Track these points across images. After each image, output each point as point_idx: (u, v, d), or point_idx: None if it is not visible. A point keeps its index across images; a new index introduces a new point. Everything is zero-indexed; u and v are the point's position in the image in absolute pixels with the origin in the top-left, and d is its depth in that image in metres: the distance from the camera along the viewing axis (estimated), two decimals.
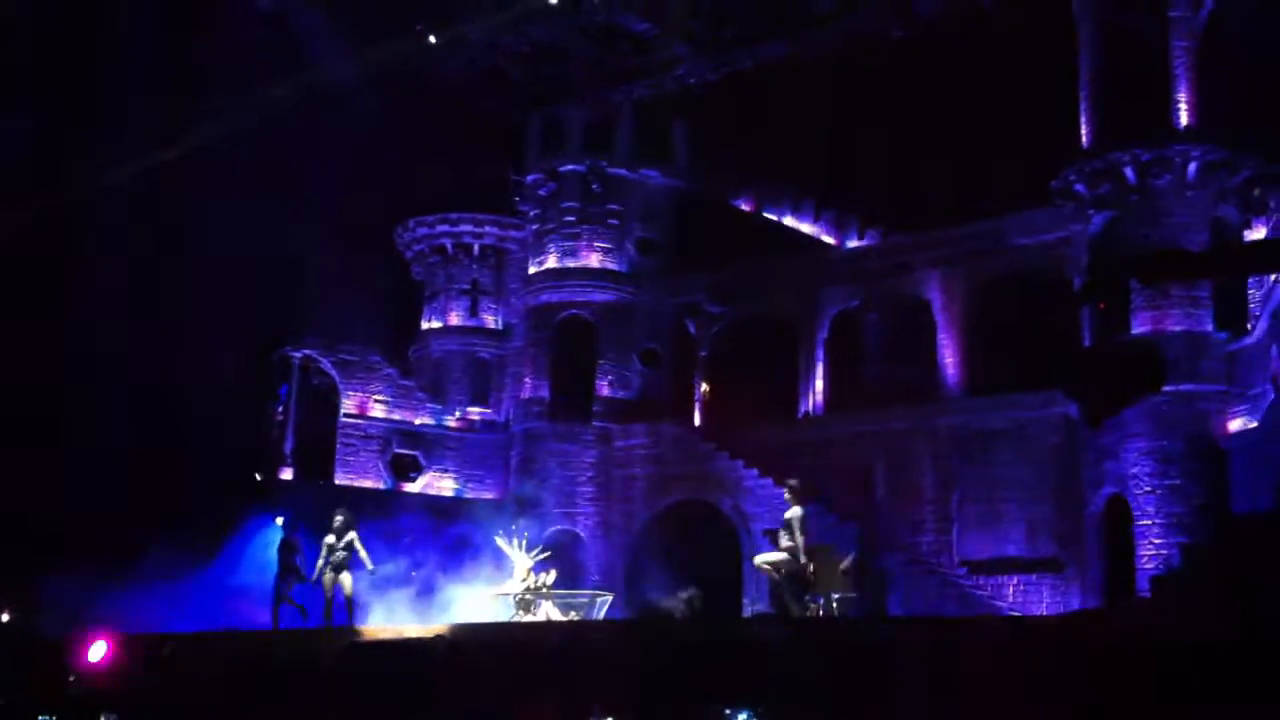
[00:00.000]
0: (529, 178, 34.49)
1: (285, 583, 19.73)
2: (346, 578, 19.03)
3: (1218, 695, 10.92)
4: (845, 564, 18.77)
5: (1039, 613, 25.41)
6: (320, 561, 19.14)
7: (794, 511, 16.69)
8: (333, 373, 33.37)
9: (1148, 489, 25.06)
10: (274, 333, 33.04)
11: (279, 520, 26.80)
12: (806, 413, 31.52)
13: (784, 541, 16.66)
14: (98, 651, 14.73)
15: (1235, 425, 25.15)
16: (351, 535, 19.18)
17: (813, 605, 24.37)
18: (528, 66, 33.29)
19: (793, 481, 17.15)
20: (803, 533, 16.52)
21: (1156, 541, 24.51)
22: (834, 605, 22.07)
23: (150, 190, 33.78)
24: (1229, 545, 12.31)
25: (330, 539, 19.22)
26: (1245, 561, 12.01)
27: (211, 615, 22.65)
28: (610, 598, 22.62)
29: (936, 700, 11.47)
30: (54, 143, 30.59)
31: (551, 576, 20.57)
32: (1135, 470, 25.24)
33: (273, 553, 21.04)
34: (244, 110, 31.46)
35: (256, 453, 32.33)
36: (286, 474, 32.07)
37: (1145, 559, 24.35)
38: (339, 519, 19.40)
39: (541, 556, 21.51)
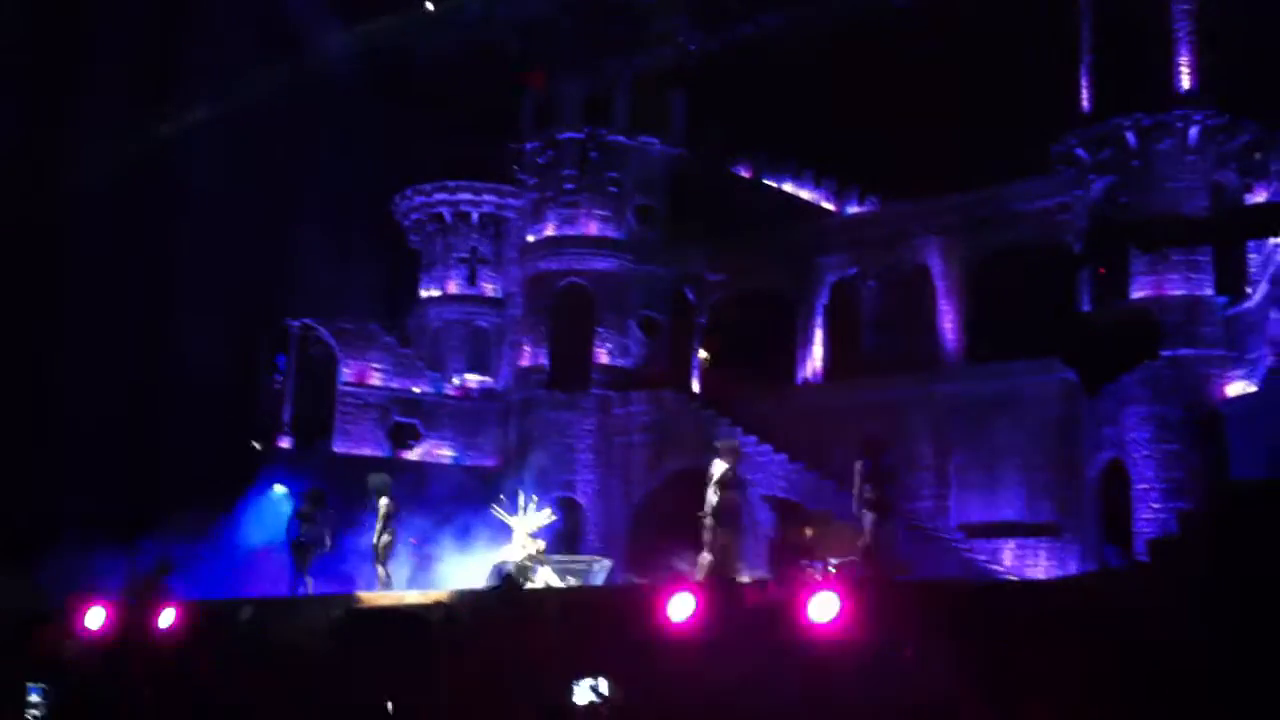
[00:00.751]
0: (527, 146, 34.35)
1: (303, 555, 19.57)
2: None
3: (1212, 661, 10.94)
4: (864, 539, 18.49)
5: (1036, 577, 25.45)
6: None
7: (717, 465, 16.39)
8: (331, 342, 33.35)
9: (1146, 454, 25.07)
10: (272, 303, 33.01)
11: (280, 489, 26.87)
12: (805, 380, 31.51)
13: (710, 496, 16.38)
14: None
15: (1234, 390, 25.13)
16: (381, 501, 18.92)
17: (811, 570, 24.39)
18: (525, 37, 33.11)
19: (720, 443, 16.94)
20: (727, 488, 16.21)
21: (1155, 506, 24.54)
22: (832, 570, 22.08)
23: (147, 163, 33.71)
24: (1226, 511, 12.28)
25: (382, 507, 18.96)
26: (1242, 527, 11.99)
27: (223, 584, 22.70)
28: (609, 564, 22.61)
29: (933, 662, 11.48)
30: (49, 114, 30.48)
31: (541, 546, 20.51)
32: (1133, 435, 25.24)
33: (281, 521, 21.04)
34: (240, 82, 31.34)
35: (255, 422, 32.37)
36: (285, 443, 32.10)
37: (1143, 524, 24.38)
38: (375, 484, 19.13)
39: (547, 521, 21.45)
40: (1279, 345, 22.90)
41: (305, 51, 31.56)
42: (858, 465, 16.11)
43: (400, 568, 21.12)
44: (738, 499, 16.46)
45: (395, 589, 18.41)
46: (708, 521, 16.27)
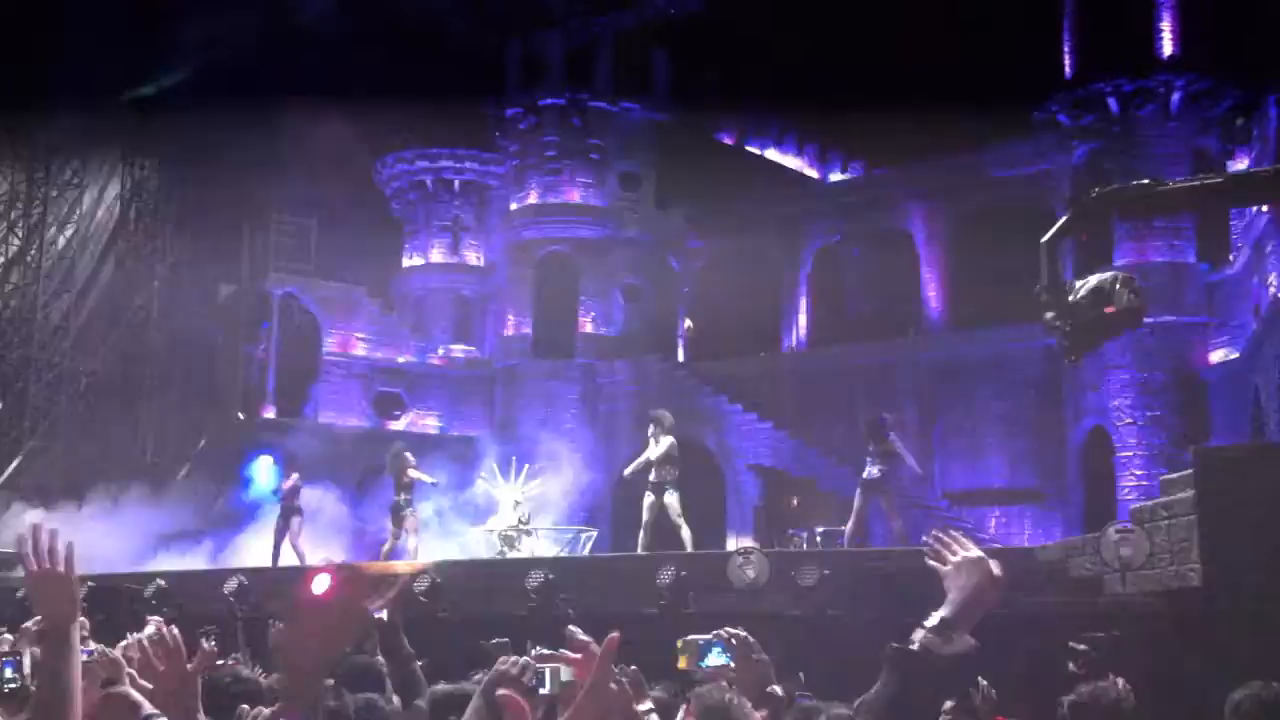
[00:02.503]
0: (508, 112, 34.11)
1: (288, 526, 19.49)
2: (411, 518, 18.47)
3: (1194, 625, 11.03)
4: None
5: (1020, 543, 25.60)
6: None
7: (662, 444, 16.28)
8: (314, 310, 33.19)
9: (1129, 420, 25.19)
10: (254, 270, 32.81)
11: (267, 459, 26.81)
12: (790, 347, 31.54)
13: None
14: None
15: (1216, 356, 25.25)
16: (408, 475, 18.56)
17: (796, 539, 24.49)
18: None
19: (655, 413, 16.84)
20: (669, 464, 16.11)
21: (1138, 473, 24.68)
22: (818, 539, 22.17)
23: (125, 122, 33.40)
24: (1208, 477, 12.35)
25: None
26: (1224, 493, 12.07)
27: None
28: (595, 533, 22.68)
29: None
30: (25, 76, 30.13)
31: (528, 513, 20.51)
32: (1116, 402, 25.35)
33: (269, 493, 21.00)
34: (218, 43, 31.03)
35: (238, 391, 32.24)
36: (269, 412, 31.99)
37: (1126, 490, 24.52)
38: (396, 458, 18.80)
39: (535, 489, 21.44)
40: (1261, 311, 22.98)
41: (289, 7, 31.31)
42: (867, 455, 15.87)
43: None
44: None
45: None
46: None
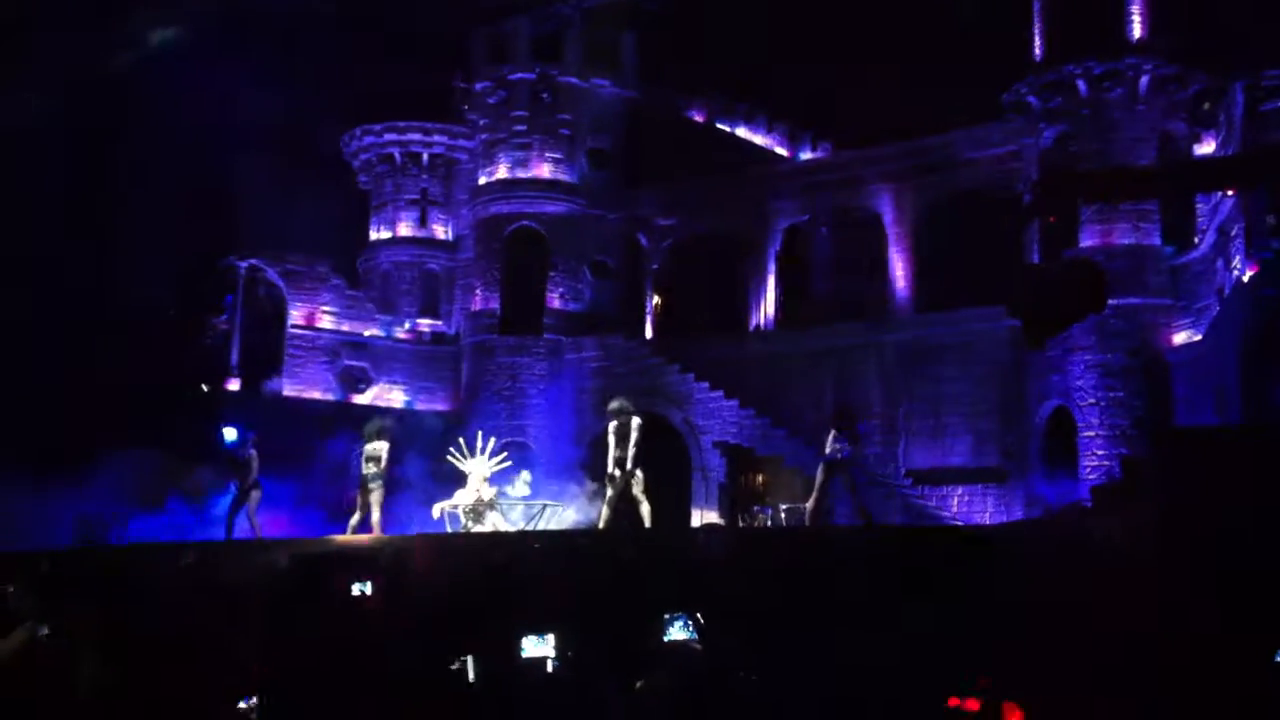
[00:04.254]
0: (478, 85, 33.93)
1: (243, 500, 19.34)
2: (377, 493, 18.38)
3: (1153, 601, 11.13)
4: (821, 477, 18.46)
5: (982, 522, 25.78)
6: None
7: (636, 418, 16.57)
8: (279, 283, 32.97)
9: (1091, 401, 25.38)
10: (219, 242, 32.55)
11: (230, 432, 26.61)
12: (757, 326, 31.58)
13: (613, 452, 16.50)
14: None
15: (1180, 339, 25.45)
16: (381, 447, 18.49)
17: (761, 516, 24.61)
18: None
19: (614, 404, 17.09)
20: (631, 444, 16.37)
21: (1099, 453, 24.88)
22: (781, 516, 22.27)
23: (90, 97, 32.99)
24: (1169, 457, 12.46)
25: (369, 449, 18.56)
26: (1184, 473, 12.17)
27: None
28: (560, 508, 22.68)
29: (879, 608, 11.60)
30: None
31: (494, 493, 20.49)
32: (1080, 383, 25.54)
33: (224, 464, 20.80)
34: (183, 17, 30.68)
35: (202, 364, 32.00)
36: (233, 385, 31.79)
37: (1088, 470, 24.73)
38: (373, 429, 18.72)
39: (502, 465, 21.42)
40: (1225, 294, 23.18)
41: None
42: (831, 435, 16.18)
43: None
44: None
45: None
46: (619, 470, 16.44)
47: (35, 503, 21.12)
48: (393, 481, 19.66)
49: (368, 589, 13.11)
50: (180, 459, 27.70)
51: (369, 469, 18.33)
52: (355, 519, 18.51)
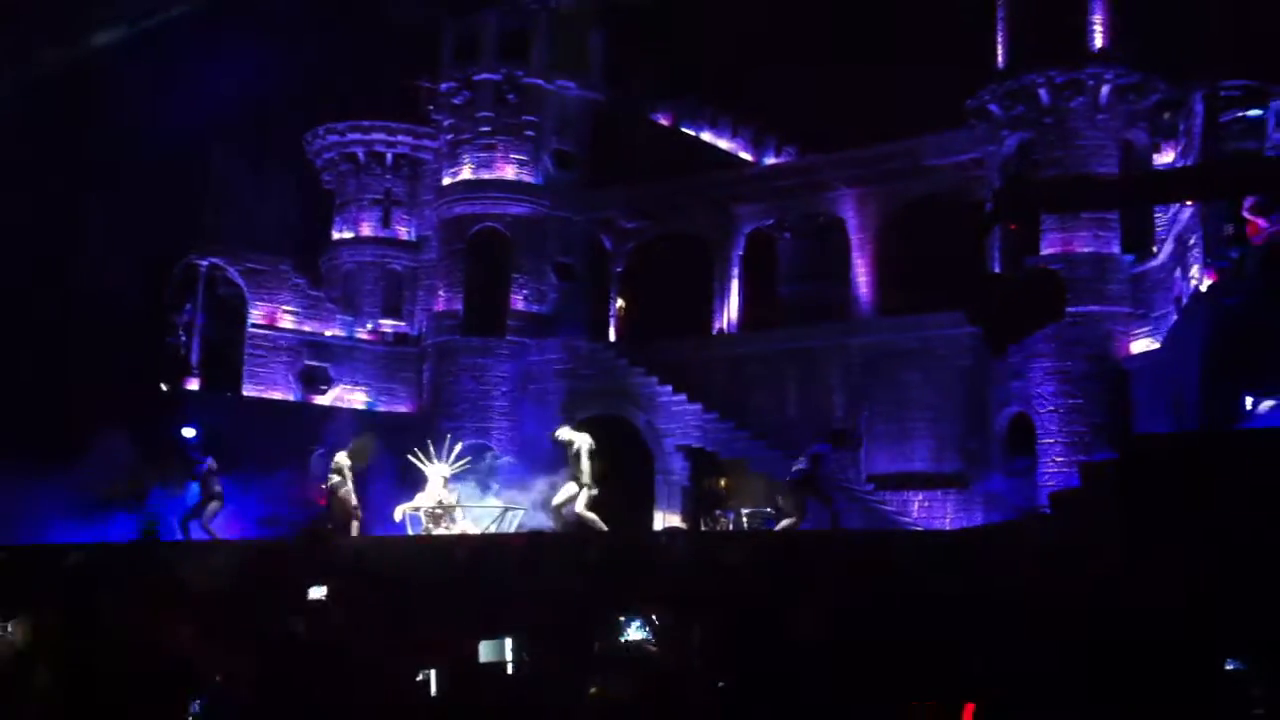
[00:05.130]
0: (443, 85, 33.81)
1: (203, 505, 19.30)
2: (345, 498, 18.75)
3: (1112, 608, 11.20)
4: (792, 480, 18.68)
5: (943, 527, 25.91)
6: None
7: (576, 441, 17.62)
8: (240, 282, 32.71)
9: (1051, 408, 25.57)
10: (179, 240, 32.24)
11: (188, 432, 26.40)
12: (721, 330, 31.62)
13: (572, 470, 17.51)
14: None
15: (1139, 347, 25.68)
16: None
17: (724, 519, 24.62)
18: None
19: (557, 437, 18.22)
20: (588, 460, 17.42)
21: (1059, 459, 25.06)
22: (744, 520, 22.30)
23: (49, 91, 32.60)
24: (1127, 463, 12.55)
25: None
26: (1143, 480, 12.27)
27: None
28: (522, 511, 22.63)
29: (842, 610, 11.64)
30: None
31: (456, 497, 20.48)
32: (1040, 390, 25.72)
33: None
34: (145, 10, 30.36)
35: (161, 363, 31.68)
36: (193, 384, 31.51)
37: (1047, 476, 24.89)
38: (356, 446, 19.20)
39: (463, 467, 21.39)
40: (1183, 303, 23.39)
41: None
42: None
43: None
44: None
45: None
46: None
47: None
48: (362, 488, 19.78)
49: (323, 593, 13.08)
50: (140, 458, 27.44)
51: (334, 479, 18.48)
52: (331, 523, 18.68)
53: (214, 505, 19.17)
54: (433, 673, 10.25)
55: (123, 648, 12.64)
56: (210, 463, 19.67)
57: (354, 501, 18.72)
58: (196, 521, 19.03)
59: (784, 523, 17.44)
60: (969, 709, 9.56)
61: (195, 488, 19.56)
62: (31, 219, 32.13)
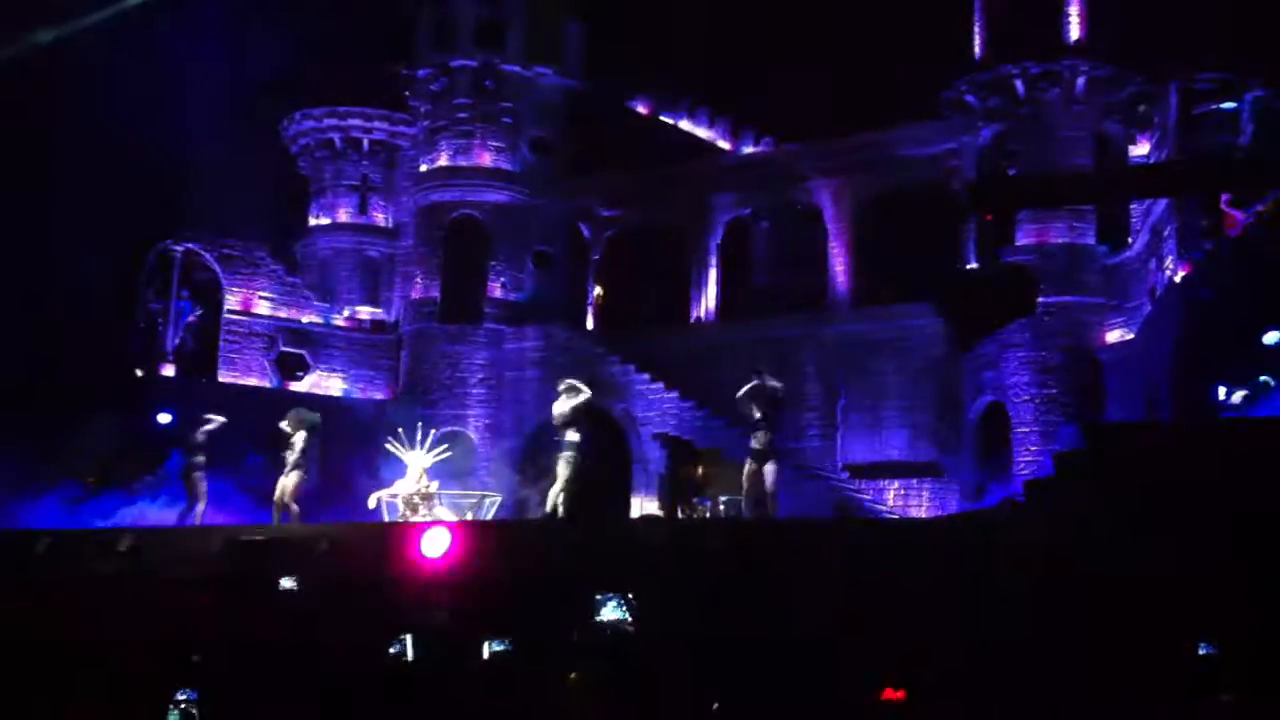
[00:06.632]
0: (420, 72, 33.69)
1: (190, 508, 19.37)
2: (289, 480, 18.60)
3: (1084, 595, 11.34)
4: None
5: (918, 515, 26.09)
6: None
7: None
8: (216, 268, 32.55)
9: (1026, 398, 25.74)
10: (154, 225, 32.06)
11: (163, 418, 26.36)
12: (698, 318, 31.68)
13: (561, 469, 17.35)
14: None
15: (1113, 337, 25.89)
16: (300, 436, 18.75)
17: (700, 507, 24.72)
18: None
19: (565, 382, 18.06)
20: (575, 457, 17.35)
21: (1033, 449, 25.25)
22: (720, 507, 22.39)
23: (19, 74, 32.35)
24: (1099, 453, 12.69)
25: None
26: (1115, 468, 12.41)
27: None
28: (499, 499, 22.67)
29: (813, 599, 11.72)
30: None
31: (435, 486, 20.49)
32: (1014, 379, 25.89)
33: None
34: None
35: (136, 349, 31.54)
36: (168, 371, 31.38)
37: (1021, 465, 25.08)
38: (293, 420, 18.97)
39: (441, 455, 21.39)
40: (1157, 294, 23.59)
41: None
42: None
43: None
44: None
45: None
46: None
47: None
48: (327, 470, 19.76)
49: (293, 584, 13.11)
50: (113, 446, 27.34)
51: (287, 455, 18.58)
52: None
53: (200, 507, 19.25)
54: (408, 638, 10.30)
55: (100, 636, 12.65)
56: (194, 460, 19.64)
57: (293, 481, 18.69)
58: (190, 519, 19.09)
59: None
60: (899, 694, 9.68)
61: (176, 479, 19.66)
62: (2, 204, 31.92)
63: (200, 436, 19.45)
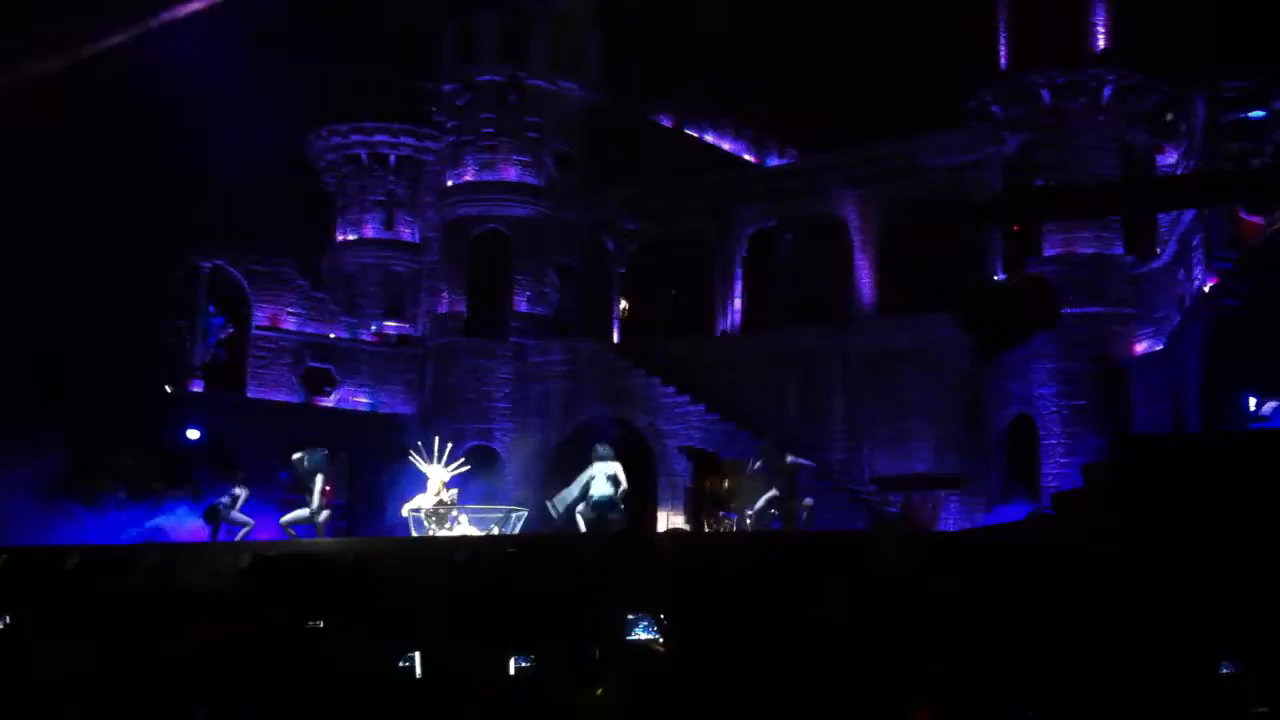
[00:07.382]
0: (445, 87, 33.83)
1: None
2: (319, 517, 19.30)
3: (1115, 607, 11.26)
4: (753, 467, 18.87)
5: (945, 528, 25.92)
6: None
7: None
8: (243, 284, 32.75)
9: (1053, 409, 25.58)
10: (182, 242, 32.27)
11: (192, 434, 26.52)
12: (724, 330, 31.65)
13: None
14: None
15: (1140, 348, 25.70)
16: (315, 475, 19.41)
17: (727, 521, 24.67)
18: None
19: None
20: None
21: (1061, 460, 25.08)
22: (747, 521, 22.33)
23: (50, 94, 32.62)
24: (1129, 464, 12.61)
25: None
26: (1144, 480, 12.32)
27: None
28: (525, 513, 22.67)
29: (841, 609, 11.68)
30: None
31: (454, 494, 20.57)
32: (1041, 390, 25.73)
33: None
34: (147, 12, 30.38)
35: (164, 365, 31.73)
36: (196, 387, 31.55)
37: (1049, 477, 24.92)
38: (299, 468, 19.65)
39: (460, 469, 21.46)
40: (1184, 305, 23.43)
41: None
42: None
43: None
44: None
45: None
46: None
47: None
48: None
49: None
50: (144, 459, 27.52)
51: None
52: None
53: (244, 530, 19.74)
54: (416, 656, 10.31)
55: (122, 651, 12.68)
56: (234, 492, 20.18)
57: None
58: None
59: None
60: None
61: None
62: (32, 220, 32.18)
63: (225, 499, 20.08)
